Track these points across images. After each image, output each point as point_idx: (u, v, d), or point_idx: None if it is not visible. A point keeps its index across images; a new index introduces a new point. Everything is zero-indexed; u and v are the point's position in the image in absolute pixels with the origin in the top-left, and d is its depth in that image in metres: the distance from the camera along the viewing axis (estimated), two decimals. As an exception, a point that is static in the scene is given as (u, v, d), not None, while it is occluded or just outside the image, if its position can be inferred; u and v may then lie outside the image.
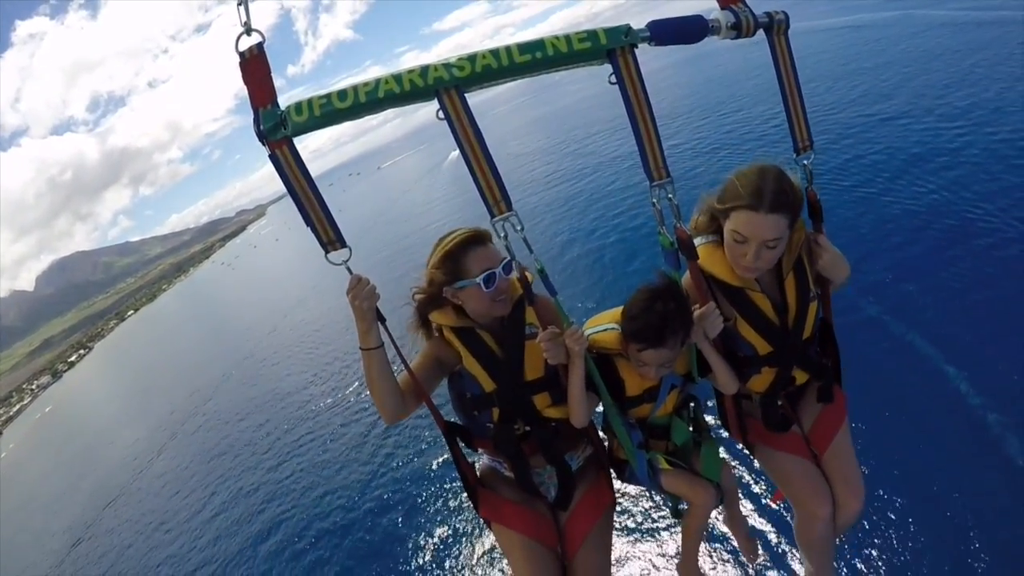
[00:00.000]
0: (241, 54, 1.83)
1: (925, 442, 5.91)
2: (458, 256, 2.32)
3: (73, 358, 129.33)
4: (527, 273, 2.20)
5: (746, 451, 2.83)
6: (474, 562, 7.10)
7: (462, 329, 2.39)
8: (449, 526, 7.83)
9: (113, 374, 60.21)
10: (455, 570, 7.11)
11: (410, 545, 7.76)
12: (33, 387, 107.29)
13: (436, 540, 7.65)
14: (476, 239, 2.34)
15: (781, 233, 2.17)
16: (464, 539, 7.55)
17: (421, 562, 7.43)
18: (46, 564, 15.56)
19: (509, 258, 2.24)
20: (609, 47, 1.99)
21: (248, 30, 1.82)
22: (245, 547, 10.07)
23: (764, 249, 2.18)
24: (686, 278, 2.37)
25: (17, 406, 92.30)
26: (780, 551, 5.50)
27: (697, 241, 2.41)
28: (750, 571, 5.59)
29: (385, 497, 8.95)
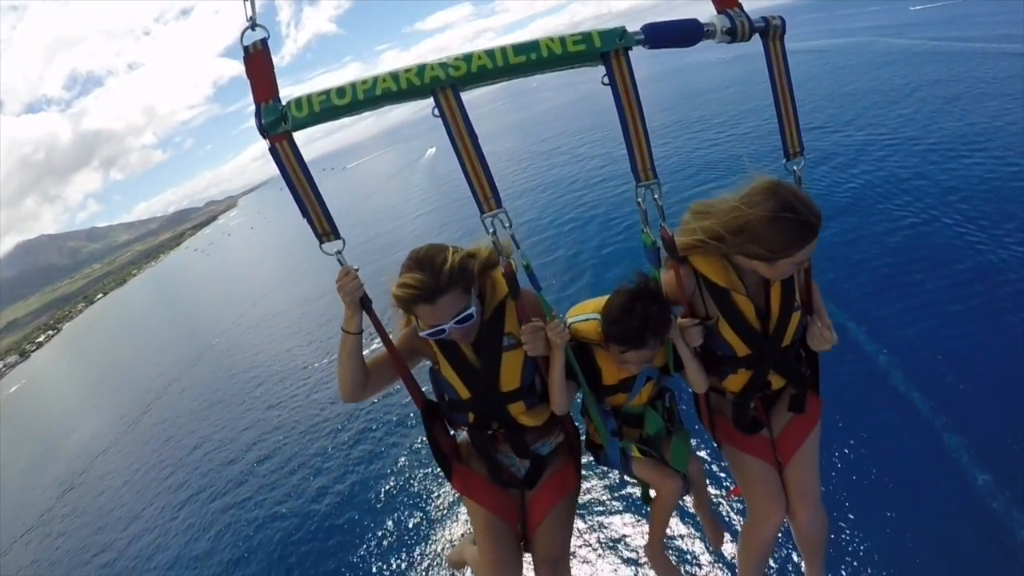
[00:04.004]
0: (246, 48, 1.88)
1: (891, 461, 6.45)
2: (408, 306, 2.20)
3: (41, 339, 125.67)
4: (512, 264, 2.18)
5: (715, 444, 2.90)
6: (453, 520, 7.75)
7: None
8: (407, 549, 8.00)
9: (86, 351, 59.19)
10: (435, 528, 7.77)
11: (367, 565, 8.12)
12: (0, 366, 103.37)
13: (394, 562, 7.98)
14: (423, 297, 2.11)
15: None
16: (421, 563, 7.76)
17: (404, 522, 8.08)
18: (35, 510, 16.41)
19: (469, 310, 2.18)
20: (603, 49, 2.00)
21: (253, 25, 1.86)
22: (234, 486, 11.20)
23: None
24: (668, 277, 2.37)
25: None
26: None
27: None
28: (714, 555, 6.03)
29: (342, 511, 9.22)
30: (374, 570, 7.74)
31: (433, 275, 2.12)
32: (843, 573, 5.71)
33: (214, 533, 9.99)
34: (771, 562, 5.56)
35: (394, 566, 7.67)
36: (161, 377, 22.79)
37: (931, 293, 8.26)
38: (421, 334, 2.25)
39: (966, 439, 6.29)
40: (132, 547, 11.11)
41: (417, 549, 7.68)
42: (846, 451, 6.67)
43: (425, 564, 7.45)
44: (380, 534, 8.22)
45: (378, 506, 8.71)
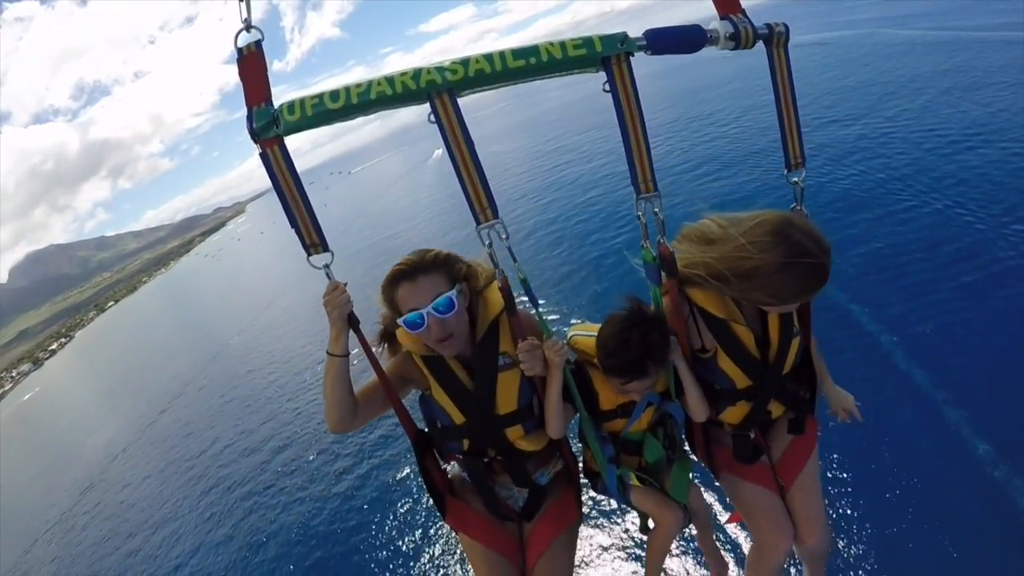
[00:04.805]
0: (239, 50, 1.84)
1: (896, 467, 6.34)
2: (389, 291, 2.22)
3: (54, 347, 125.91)
4: (508, 279, 2.11)
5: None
6: (446, 563, 7.59)
7: (430, 357, 2.30)
8: (424, 526, 8.23)
9: (100, 357, 59.07)
10: (427, 570, 7.64)
11: (384, 543, 8.26)
12: (13, 375, 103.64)
13: (410, 539, 8.15)
14: (406, 272, 2.17)
15: None
16: (438, 540, 7.93)
17: (394, 560, 7.95)
18: (57, 509, 16.58)
19: (449, 293, 2.16)
20: (604, 55, 1.94)
21: (248, 27, 1.83)
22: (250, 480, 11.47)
23: None
24: (666, 301, 2.28)
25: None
26: None
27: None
28: None
29: (361, 493, 9.41)
30: (394, 548, 7.98)
31: (419, 256, 2.19)
32: (845, 541, 5.85)
33: (236, 519, 10.26)
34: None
35: (412, 543, 7.91)
36: (177, 379, 23.00)
37: (927, 272, 8.50)
38: (399, 320, 2.17)
39: (966, 412, 6.43)
40: (155, 536, 11.37)
41: (433, 528, 7.91)
42: (850, 429, 6.85)
43: (442, 541, 7.68)
44: (400, 513, 8.47)
45: (396, 487, 8.96)
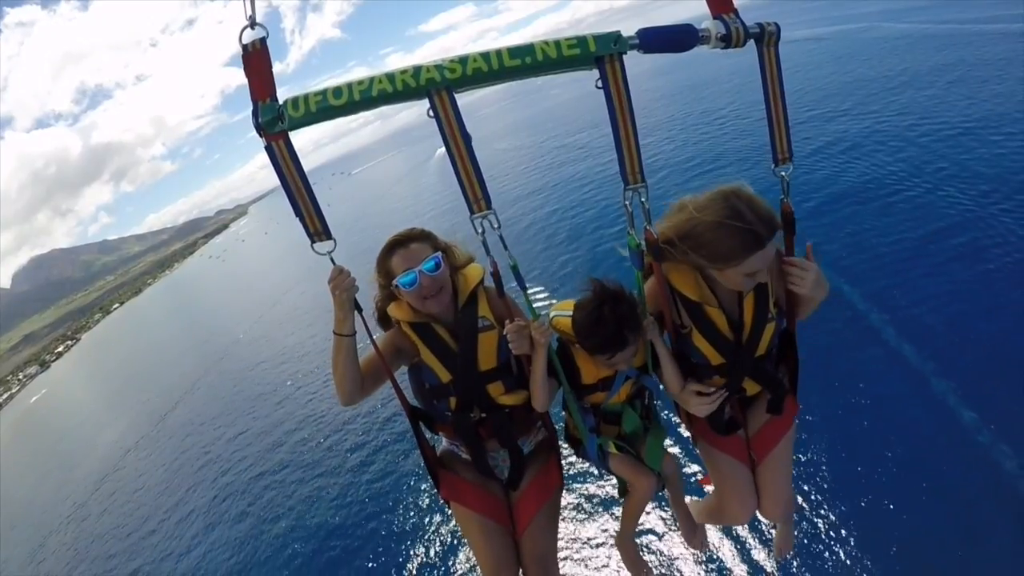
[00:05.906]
0: (244, 47, 1.88)
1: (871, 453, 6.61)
2: (386, 259, 2.46)
3: (60, 349, 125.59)
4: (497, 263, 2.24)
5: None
6: (437, 538, 7.96)
7: (418, 324, 2.49)
8: (414, 505, 8.60)
9: (107, 358, 58.91)
10: (418, 546, 7.98)
11: (377, 521, 8.64)
12: (20, 377, 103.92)
13: (401, 517, 8.50)
14: (400, 241, 2.46)
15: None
16: (427, 517, 8.36)
17: (387, 538, 8.31)
18: (71, 501, 17.05)
19: (436, 255, 2.41)
20: (598, 54, 2.00)
21: (252, 24, 1.86)
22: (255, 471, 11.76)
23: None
24: (649, 284, 2.44)
25: (5, 395, 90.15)
26: (719, 537, 6.20)
27: None
28: (686, 551, 6.23)
29: (372, 468, 9.85)
30: (402, 517, 8.41)
31: (407, 230, 2.50)
32: (834, 506, 6.20)
33: (253, 496, 10.69)
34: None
35: (419, 513, 8.36)
36: (188, 374, 23.26)
37: (911, 250, 8.91)
38: (395, 282, 2.38)
39: (952, 382, 6.83)
40: (173, 517, 11.79)
41: (439, 497, 8.18)
42: (841, 399, 7.18)
43: (448, 511, 8.01)
44: (407, 486, 8.93)
45: (404, 461, 9.45)
